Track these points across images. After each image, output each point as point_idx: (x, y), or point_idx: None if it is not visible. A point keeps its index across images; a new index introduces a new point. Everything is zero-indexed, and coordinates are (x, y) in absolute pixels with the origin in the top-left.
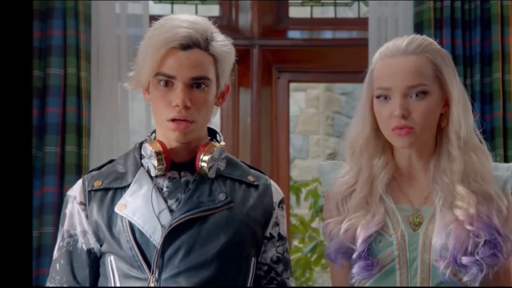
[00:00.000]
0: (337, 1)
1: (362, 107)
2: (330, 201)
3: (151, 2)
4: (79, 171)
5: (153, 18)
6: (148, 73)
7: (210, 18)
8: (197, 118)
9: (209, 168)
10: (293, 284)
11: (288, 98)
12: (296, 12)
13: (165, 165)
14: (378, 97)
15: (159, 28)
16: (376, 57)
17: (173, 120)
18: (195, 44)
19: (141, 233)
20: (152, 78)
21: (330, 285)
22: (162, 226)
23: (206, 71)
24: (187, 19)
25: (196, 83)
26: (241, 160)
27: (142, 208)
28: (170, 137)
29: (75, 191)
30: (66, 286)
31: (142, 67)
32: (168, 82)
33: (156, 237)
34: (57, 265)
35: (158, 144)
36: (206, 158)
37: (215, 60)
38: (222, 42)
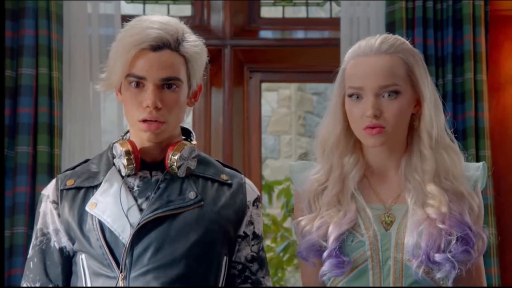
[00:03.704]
0: (309, 1)
1: (333, 105)
2: (301, 200)
3: (123, 2)
4: (51, 171)
5: (125, 18)
6: (119, 74)
7: (182, 18)
8: (168, 118)
9: (178, 167)
10: (269, 283)
11: (260, 98)
12: (268, 12)
13: (134, 164)
14: (350, 96)
15: (129, 29)
16: (348, 56)
17: (144, 121)
18: (165, 45)
19: (111, 231)
20: (124, 79)
21: (301, 285)
22: (131, 224)
23: (176, 72)
24: (157, 20)
25: (167, 83)
26: (216, 159)
27: (112, 206)
28: (142, 137)
29: (49, 190)
30: (39, 285)
31: (113, 69)
32: (139, 83)
33: (125, 235)
34: (31, 264)
35: (128, 144)
36: (175, 157)
37: (186, 60)
38: (193, 43)
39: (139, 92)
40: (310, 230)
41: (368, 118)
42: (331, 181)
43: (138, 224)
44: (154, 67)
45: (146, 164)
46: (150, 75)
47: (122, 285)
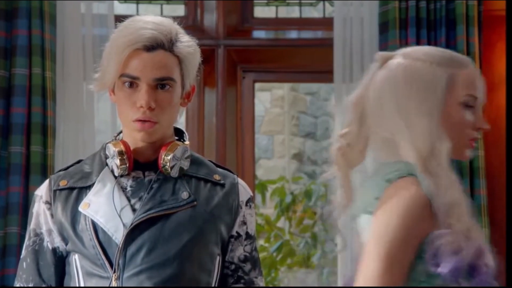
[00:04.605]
0: (302, 1)
1: (437, 111)
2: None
3: (116, 2)
4: (45, 171)
5: (118, 18)
6: (112, 74)
7: (175, 18)
8: (162, 118)
9: (171, 167)
10: (262, 284)
11: (253, 98)
12: (261, 12)
13: (127, 164)
14: (466, 104)
15: (123, 30)
16: (451, 63)
17: (138, 120)
18: (159, 45)
19: (104, 231)
20: (117, 79)
21: (297, 285)
22: (124, 224)
23: (170, 72)
24: (151, 21)
25: (160, 84)
26: (209, 159)
27: (105, 207)
28: (136, 137)
29: (42, 191)
30: (32, 285)
31: (107, 69)
32: (133, 83)
33: (118, 235)
34: (24, 264)
35: (121, 144)
36: (168, 157)
37: (179, 60)
38: (186, 43)
39: (132, 92)
40: (462, 247)
41: (476, 131)
42: (458, 193)
43: (131, 224)
44: (148, 67)
45: (139, 165)
46: (144, 75)
47: (116, 285)
